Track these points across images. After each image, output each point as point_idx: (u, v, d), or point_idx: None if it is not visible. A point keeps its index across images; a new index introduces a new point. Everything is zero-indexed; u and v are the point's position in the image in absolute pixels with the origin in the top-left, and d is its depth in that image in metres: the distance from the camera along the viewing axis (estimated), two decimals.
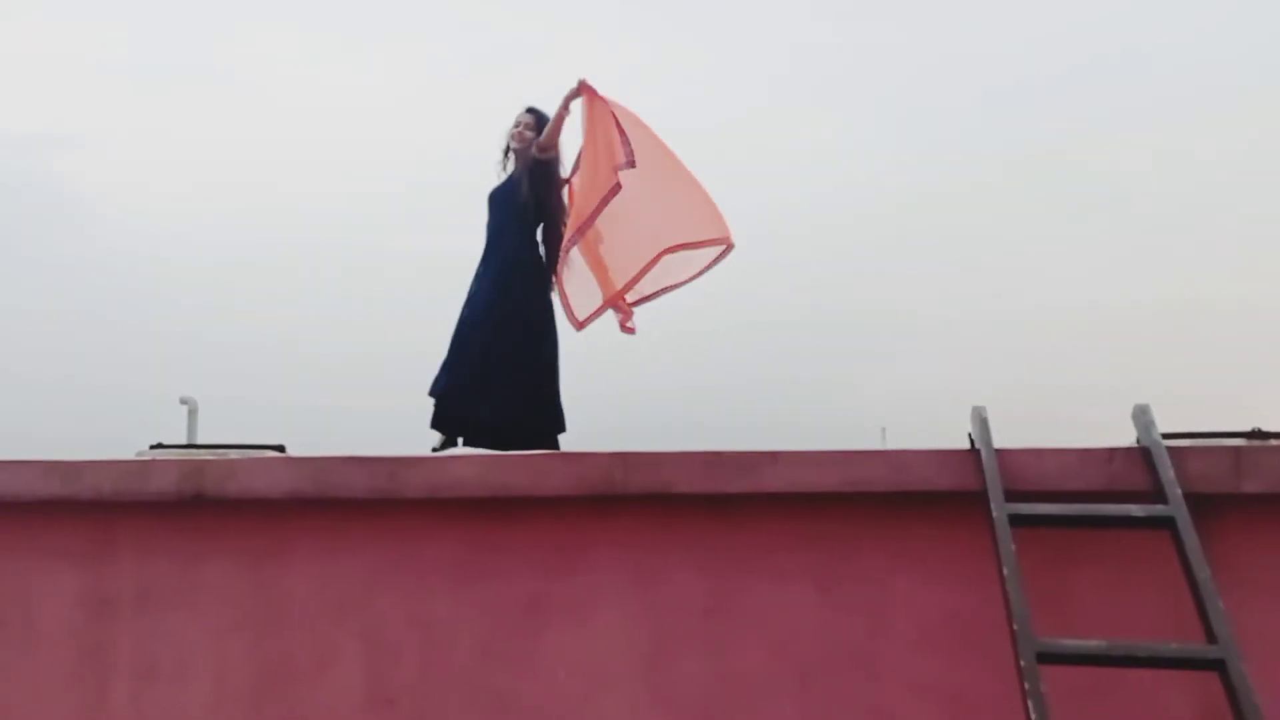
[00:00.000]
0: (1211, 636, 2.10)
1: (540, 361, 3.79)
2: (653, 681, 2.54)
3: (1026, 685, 2.06)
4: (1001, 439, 2.43)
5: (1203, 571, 2.16)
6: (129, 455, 3.10)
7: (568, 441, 3.92)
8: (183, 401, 4.38)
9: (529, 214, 3.86)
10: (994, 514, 2.29)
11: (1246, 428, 2.77)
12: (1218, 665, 2.07)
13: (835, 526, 2.52)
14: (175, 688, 2.74)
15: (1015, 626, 2.14)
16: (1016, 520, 2.28)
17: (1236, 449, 2.41)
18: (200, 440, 3.94)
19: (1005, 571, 2.21)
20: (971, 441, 2.48)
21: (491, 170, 4.03)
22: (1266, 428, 2.77)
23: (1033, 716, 2.02)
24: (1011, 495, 2.32)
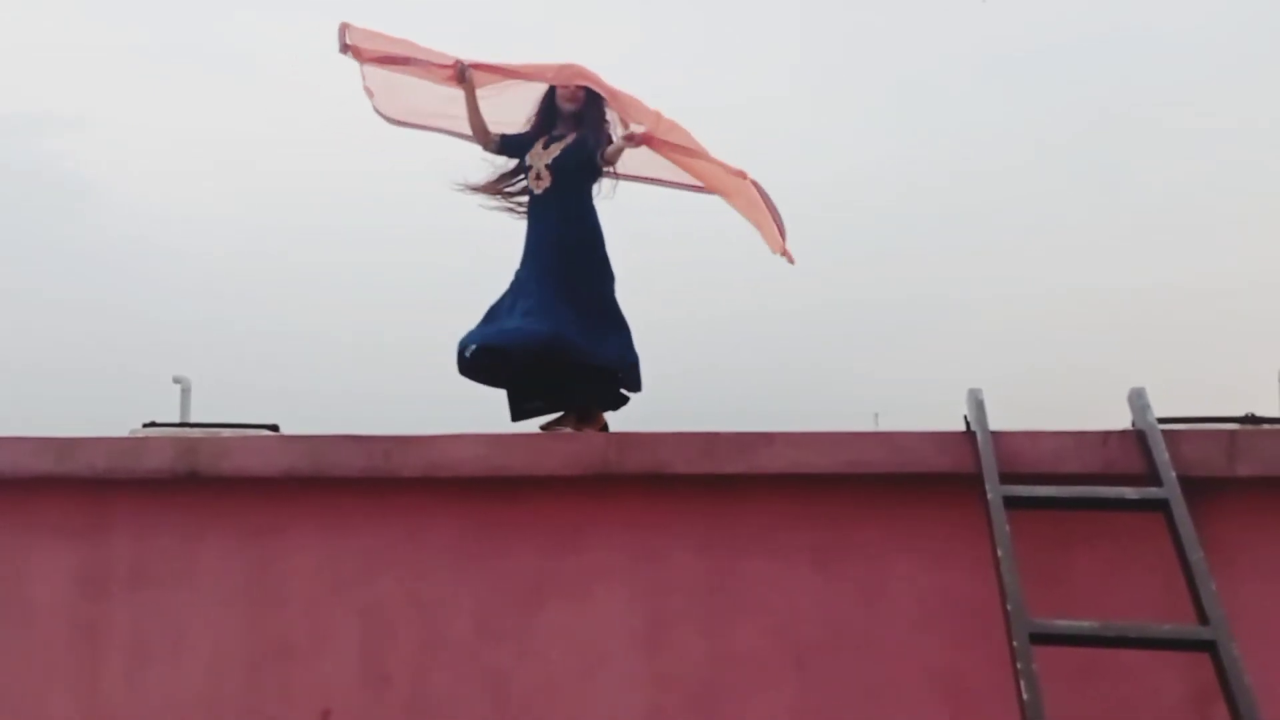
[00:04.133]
0: (1203, 618, 2.12)
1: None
2: (650, 661, 2.55)
3: (1019, 665, 2.08)
4: (997, 423, 2.45)
5: (1195, 553, 2.18)
6: (122, 434, 3.09)
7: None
8: (176, 381, 4.35)
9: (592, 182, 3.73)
10: (989, 496, 2.30)
11: (1240, 412, 2.79)
12: (1209, 647, 2.09)
13: (832, 508, 2.53)
14: (170, 665, 2.74)
15: (1009, 607, 2.16)
16: (1011, 502, 2.30)
17: (1231, 433, 2.42)
18: (194, 420, 3.92)
19: (1000, 553, 2.23)
20: (967, 424, 2.49)
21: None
22: (1260, 413, 2.79)
23: (1025, 696, 2.03)
24: (1007, 477, 2.34)
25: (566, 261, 3.50)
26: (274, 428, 3.21)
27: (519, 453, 2.63)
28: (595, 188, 3.66)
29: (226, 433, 3.02)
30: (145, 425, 3.30)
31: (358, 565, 2.71)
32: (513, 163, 3.71)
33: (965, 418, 2.51)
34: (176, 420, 3.92)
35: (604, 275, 3.59)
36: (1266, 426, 2.64)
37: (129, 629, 2.77)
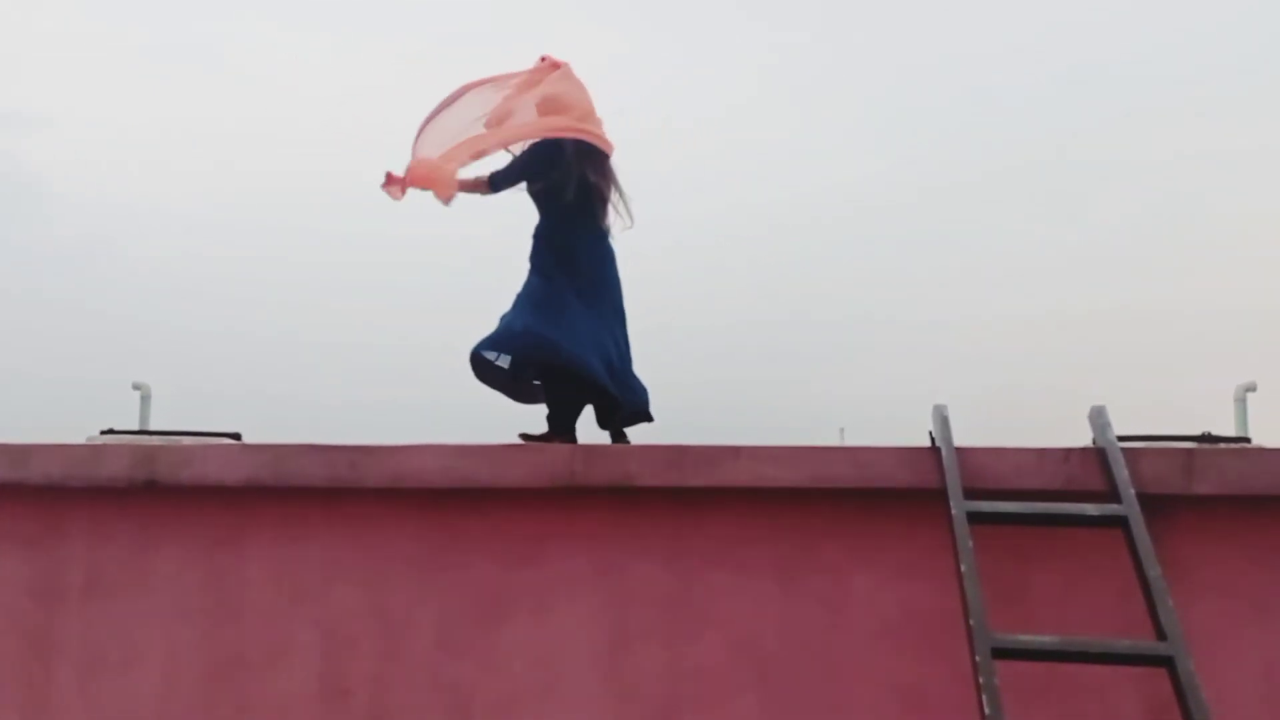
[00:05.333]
0: (1161, 634, 2.14)
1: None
2: (613, 674, 2.54)
3: (981, 680, 2.09)
4: (959, 440, 2.46)
5: (1153, 570, 2.20)
6: (80, 441, 3.03)
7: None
8: (135, 387, 4.27)
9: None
10: (953, 511, 2.31)
11: (1198, 431, 2.84)
12: (1166, 662, 2.11)
13: (797, 522, 2.54)
14: (124, 677, 2.68)
15: (971, 622, 2.17)
16: (975, 518, 2.31)
17: (1188, 451, 2.46)
18: (153, 427, 3.86)
19: (963, 568, 2.24)
20: (932, 439, 2.51)
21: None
22: (1217, 432, 2.84)
23: (986, 710, 2.05)
24: (971, 493, 2.35)
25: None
26: (236, 436, 3.17)
27: (483, 464, 2.61)
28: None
29: (187, 441, 2.97)
30: (103, 432, 3.25)
31: (318, 576, 2.67)
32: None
33: (930, 433, 2.52)
34: (136, 428, 3.86)
35: None
36: (1223, 446, 2.68)
37: (82, 640, 2.72)
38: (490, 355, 3.44)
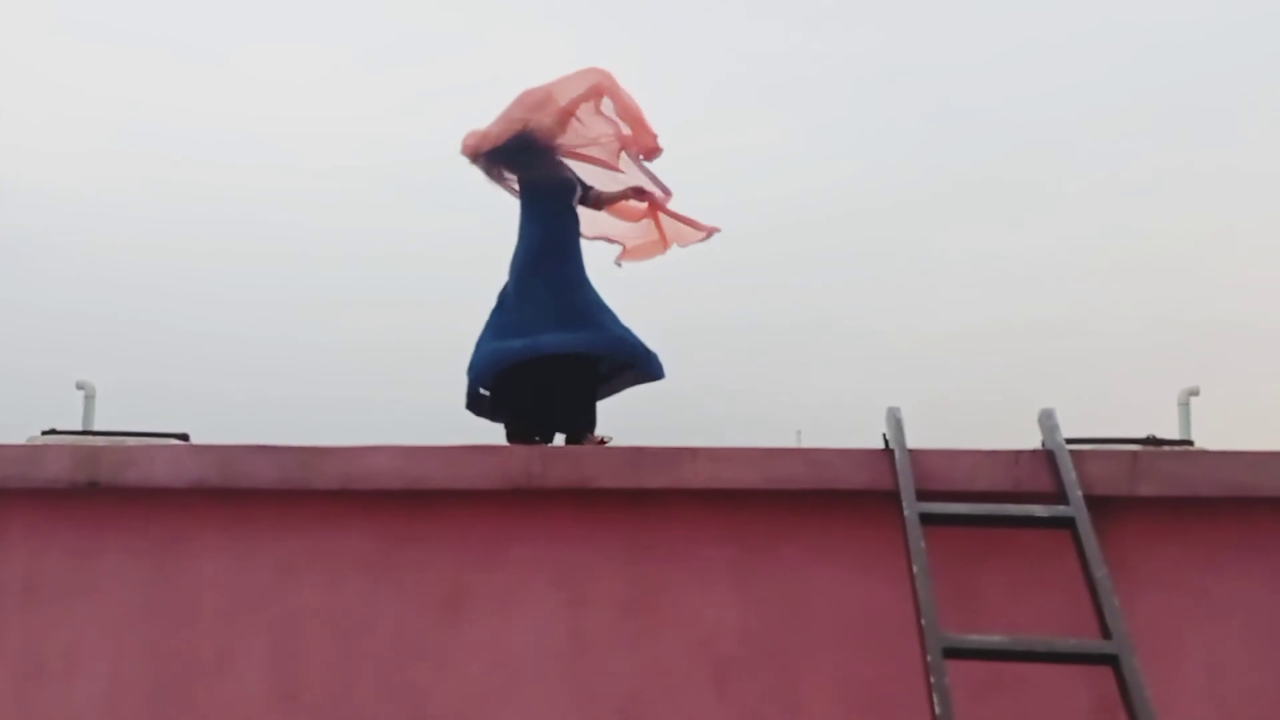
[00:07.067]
0: (1106, 632, 2.19)
1: None
2: (571, 675, 2.53)
3: (932, 679, 2.11)
4: (915, 442, 2.49)
5: (1100, 570, 2.25)
6: (20, 441, 2.95)
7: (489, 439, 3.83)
8: (79, 386, 4.16)
9: None
10: (906, 512, 2.34)
11: (1143, 434, 2.91)
12: (1111, 660, 2.16)
13: (754, 522, 2.55)
14: (65, 687, 2.61)
15: (923, 622, 2.19)
16: (927, 519, 2.34)
17: (1133, 454, 2.52)
18: (98, 427, 3.76)
19: (915, 569, 2.27)
20: (886, 441, 2.53)
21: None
22: (1161, 434, 2.92)
23: (937, 709, 2.07)
24: (924, 494, 2.38)
25: None
26: (184, 437, 3.10)
27: (438, 465, 2.58)
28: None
29: (132, 442, 2.90)
30: (45, 433, 3.17)
31: (269, 579, 2.62)
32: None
33: (884, 435, 2.55)
34: (79, 428, 3.76)
35: None
36: (1167, 448, 2.75)
37: (21, 647, 2.64)
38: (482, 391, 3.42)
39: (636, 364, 3.39)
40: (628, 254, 3.85)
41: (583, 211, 3.59)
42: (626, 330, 3.38)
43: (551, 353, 3.26)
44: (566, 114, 3.43)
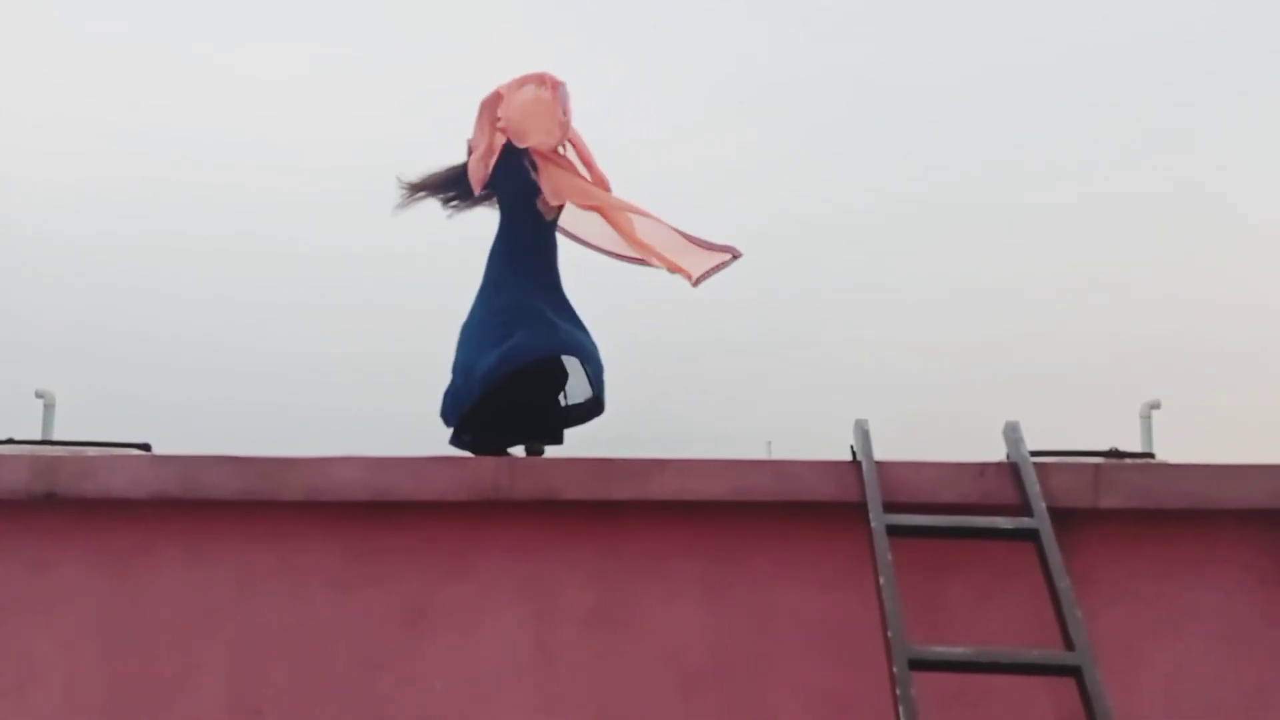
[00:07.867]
0: (1069, 644, 2.21)
1: None
2: (538, 688, 2.51)
3: (899, 691, 2.12)
4: (882, 455, 2.51)
5: (1063, 581, 2.27)
6: None
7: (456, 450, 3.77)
8: (38, 395, 4.08)
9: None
10: (873, 524, 2.35)
11: (1105, 447, 2.94)
12: (1074, 671, 2.17)
13: (722, 534, 2.55)
14: (18, 702, 2.55)
15: (890, 634, 2.20)
16: (893, 531, 2.35)
17: (1096, 466, 2.55)
18: (57, 437, 3.69)
19: (881, 580, 2.28)
20: (854, 454, 2.55)
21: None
22: (1123, 447, 2.95)
23: None
24: (890, 506, 2.39)
25: None
26: (146, 447, 3.05)
27: (404, 476, 2.56)
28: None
29: (92, 452, 2.85)
30: (2, 442, 3.10)
31: (231, 592, 2.58)
32: None
33: (851, 448, 2.56)
34: (38, 437, 3.69)
35: None
36: (1129, 461, 2.79)
37: None
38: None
39: (595, 388, 3.38)
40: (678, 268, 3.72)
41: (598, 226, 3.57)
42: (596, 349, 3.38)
43: (561, 353, 3.23)
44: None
